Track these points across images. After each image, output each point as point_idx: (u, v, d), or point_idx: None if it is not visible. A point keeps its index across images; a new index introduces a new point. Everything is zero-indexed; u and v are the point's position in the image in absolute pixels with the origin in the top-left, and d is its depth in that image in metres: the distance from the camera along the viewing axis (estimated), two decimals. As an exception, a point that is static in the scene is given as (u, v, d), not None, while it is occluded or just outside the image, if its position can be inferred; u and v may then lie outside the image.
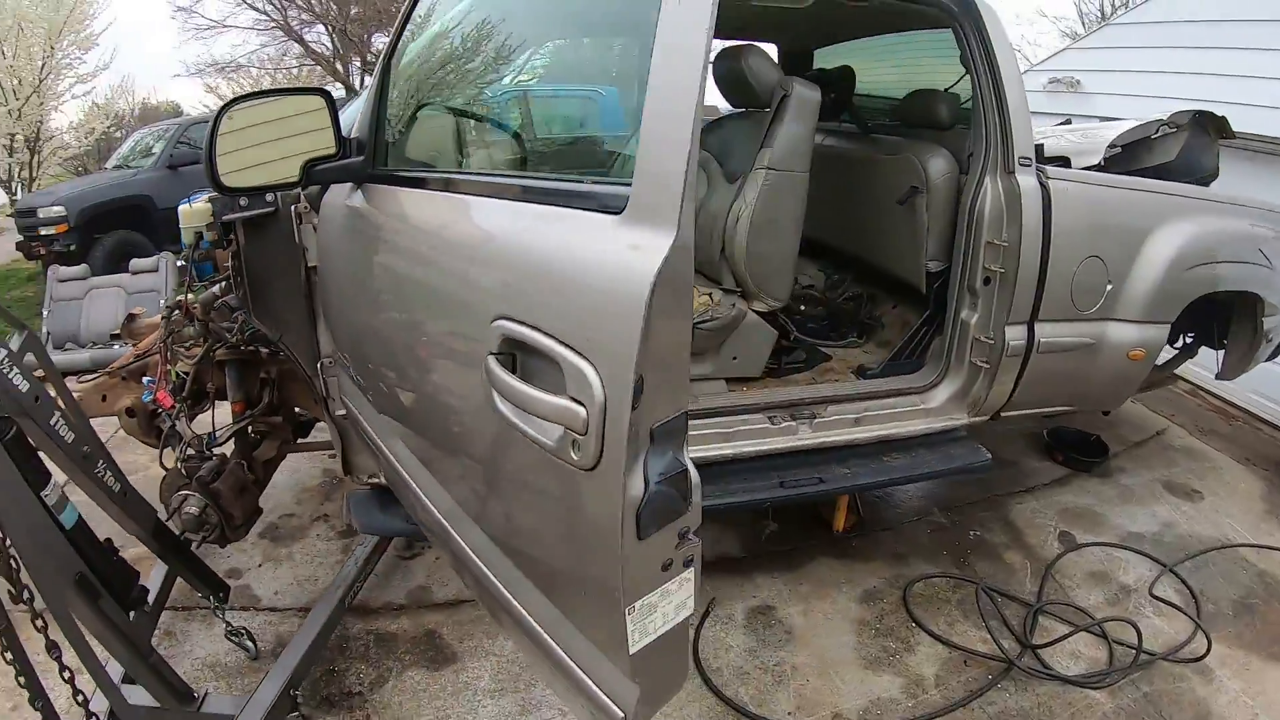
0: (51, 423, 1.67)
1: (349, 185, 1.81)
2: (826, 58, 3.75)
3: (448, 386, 1.57)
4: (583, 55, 2.77)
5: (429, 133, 1.91)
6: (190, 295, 2.45)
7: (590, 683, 1.25)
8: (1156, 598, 2.68)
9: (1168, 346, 2.91)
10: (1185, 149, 2.84)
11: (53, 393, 1.79)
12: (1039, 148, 2.68)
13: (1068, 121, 4.01)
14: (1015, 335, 2.49)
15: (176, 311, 2.48)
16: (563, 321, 1.12)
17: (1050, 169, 2.46)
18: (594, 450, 1.06)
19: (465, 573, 1.65)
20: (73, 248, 7.41)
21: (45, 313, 5.29)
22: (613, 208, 1.09)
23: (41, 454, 1.72)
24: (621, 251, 1.04)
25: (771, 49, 3.74)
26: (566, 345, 1.09)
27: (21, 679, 1.59)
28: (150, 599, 2.30)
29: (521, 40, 1.86)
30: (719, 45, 2.94)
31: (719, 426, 2.51)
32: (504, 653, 2.46)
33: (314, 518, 3.27)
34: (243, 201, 1.91)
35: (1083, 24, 15.52)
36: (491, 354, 1.21)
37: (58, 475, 1.78)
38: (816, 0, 2.40)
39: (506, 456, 1.35)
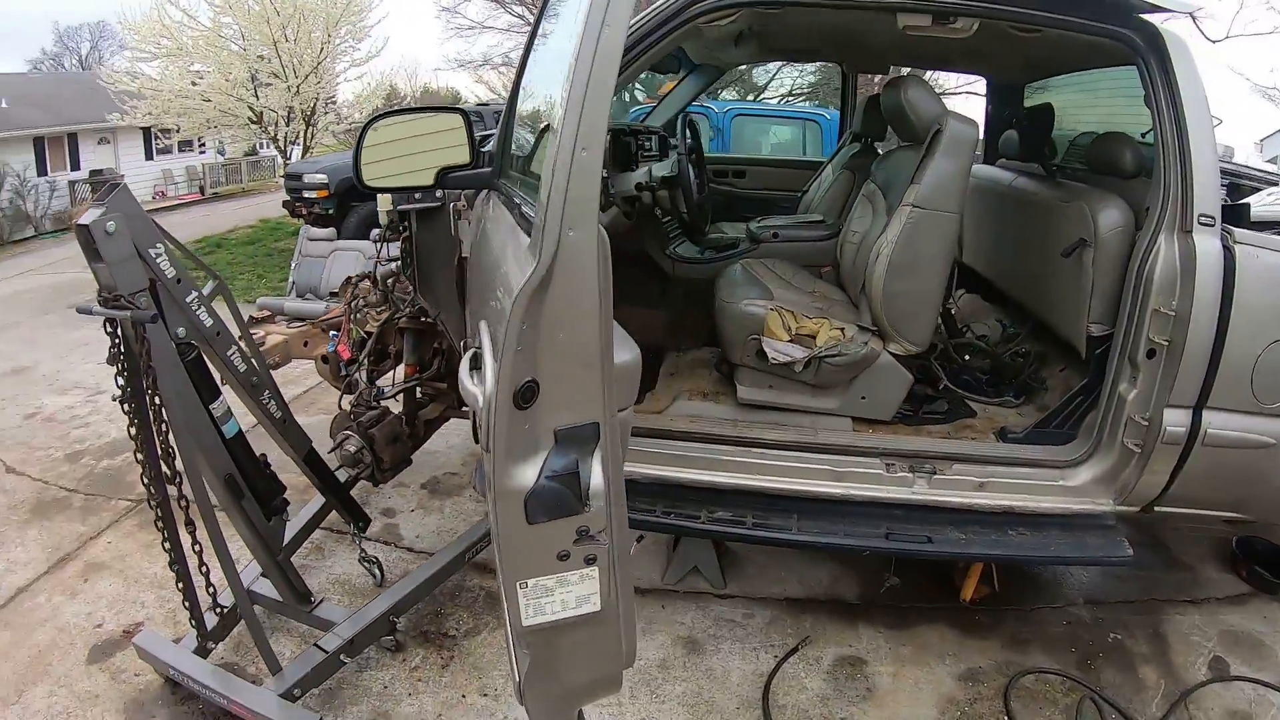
0: (228, 354, 2.39)
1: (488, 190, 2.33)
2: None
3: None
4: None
5: (526, 150, 2.36)
6: (378, 268, 3.18)
7: (511, 635, 1.56)
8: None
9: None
10: None
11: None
12: (1243, 208, 2.58)
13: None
14: (1175, 420, 2.44)
15: (365, 280, 3.23)
16: (494, 328, 1.47)
17: (1240, 232, 2.37)
18: (486, 434, 1.36)
19: None
20: (330, 212, 9.11)
21: (294, 265, 6.73)
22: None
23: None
24: (523, 272, 1.31)
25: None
26: (491, 346, 1.43)
27: (167, 545, 2.32)
28: (301, 516, 3.06)
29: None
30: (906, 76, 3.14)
31: (831, 464, 2.73)
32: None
33: (472, 479, 3.96)
34: (417, 195, 2.52)
35: None
36: (473, 349, 1.58)
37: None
38: (990, 33, 2.54)
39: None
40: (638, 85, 13.59)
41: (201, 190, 21.08)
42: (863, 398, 2.95)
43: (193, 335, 2.26)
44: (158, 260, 2.11)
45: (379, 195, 2.89)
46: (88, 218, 1.94)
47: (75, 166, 18.01)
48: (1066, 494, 2.65)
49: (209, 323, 2.30)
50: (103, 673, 2.74)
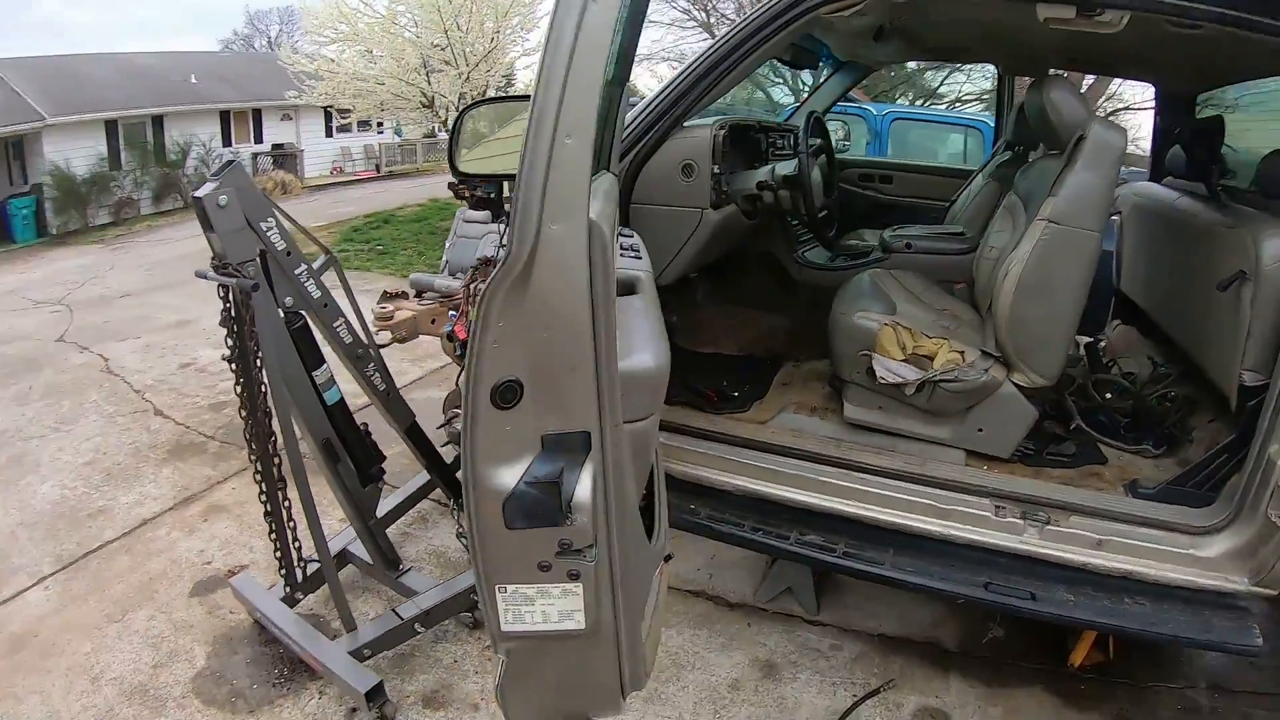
0: (334, 325, 2.61)
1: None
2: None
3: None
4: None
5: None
6: (499, 252, 3.37)
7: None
8: None
9: None
10: None
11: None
12: None
13: None
14: (1329, 495, 2.19)
15: (487, 264, 3.43)
16: None
17: None
18: (463, 430, 1.34)
19: None
20: (492, 195, 9.60)
21: (449, 244, 7.19)
22: None
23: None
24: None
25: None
26: None
27: (264, 496, 2.56)
28: (408, 487, 3.29)
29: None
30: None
31: (935, 499, 2.65)
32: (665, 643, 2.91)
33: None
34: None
35: None
36: None
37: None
38: (1145, 30, 2.36)
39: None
40: (803, 84, 13.44)
41: (377, 168, 22.92)
42: (979, 430, 2.82)
43: (300, 305, 2.49)
44: (268, 233, 2.34)
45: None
46: (203, 191, 2.18)
47: (258, 140, 20.31)
48: (1195, 565, 2.42)
49: (316, 294, 2.53)
50: (201, 606, 3.10)
